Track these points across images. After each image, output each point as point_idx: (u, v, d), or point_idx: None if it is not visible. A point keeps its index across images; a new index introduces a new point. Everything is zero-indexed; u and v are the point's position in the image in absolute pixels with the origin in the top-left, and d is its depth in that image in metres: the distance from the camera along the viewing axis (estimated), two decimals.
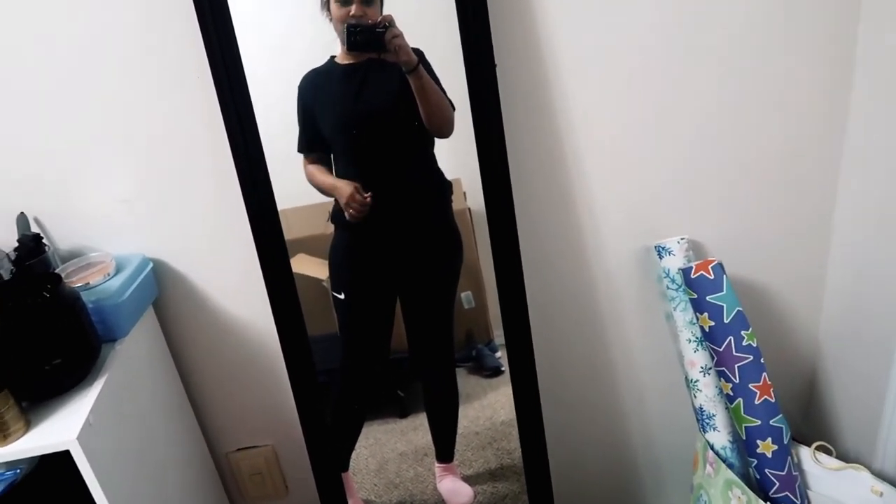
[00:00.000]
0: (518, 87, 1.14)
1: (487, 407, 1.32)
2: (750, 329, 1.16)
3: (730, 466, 1.21)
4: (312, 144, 1.13)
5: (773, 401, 1.16)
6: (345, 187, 1.12)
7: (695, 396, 1.26)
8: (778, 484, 1.17)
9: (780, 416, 1.17)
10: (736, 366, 1.16)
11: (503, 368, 1.28)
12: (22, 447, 0.91)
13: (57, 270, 1.12)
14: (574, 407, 1.46)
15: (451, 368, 1.32)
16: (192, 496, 1.29)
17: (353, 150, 1.15)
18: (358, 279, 1.24)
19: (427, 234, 1.22)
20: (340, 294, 1.23)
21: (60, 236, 1.20)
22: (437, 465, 1.36)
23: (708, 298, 1.16)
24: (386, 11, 1.07)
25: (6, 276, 1.08)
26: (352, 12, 1.04)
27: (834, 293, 1.33)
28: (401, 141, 1.15)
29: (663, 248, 1.24)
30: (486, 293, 1.22)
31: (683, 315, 1.24)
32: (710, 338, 1.18)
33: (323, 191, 1.15)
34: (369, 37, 1.04)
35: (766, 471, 1.17)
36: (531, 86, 1.15)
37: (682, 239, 1.23)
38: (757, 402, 1.16)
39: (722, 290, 1.15)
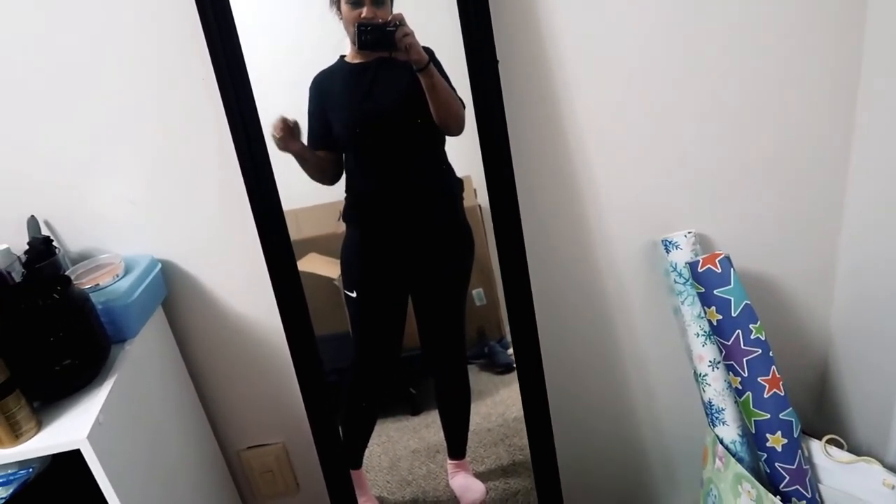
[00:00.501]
0: (521, 83, 1.14)
1: (499, 403, 1.32)
2: (758, 322, 1.15)
3: (739, 461, 1.20)
4: (322, 142, 1.13)
5: (782, 394, 1.15)
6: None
7: (703, 391, 1.25)
8: (788, 478, 1.16)
9: (790, 409, 1.16)
10: (744, 359, 1.15)
11: (515, 365, 1.28)
12: (34, 446, 0.92)
13: (67, 272, 1.13)
14: (583, 402, 1.46)
15: (463, 365, 1.32)
16: (204, 494, 1.31)
17: (365, 149, 1.15)
18: (369, 277, 1.24)
19: (439, 232, 1.22)
20: (352, 292, 1.23)
21: (70, 238, 1.21)
22: (449, 461, 1.37)
23: (715, 292, 1.15)
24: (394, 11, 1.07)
25: (17, 279, 1.09)
26: (363, 14, 1.05)
27: (845, 285, 1.32)
28: (412, 139, 1.15)
29: (670, 242, 1.23)
30: (498, 290, 1.21)
31: (691, 309, 1.23)
32: (718, 332, 1.17)
33: (301, 160, 1.14)
34: (379, 35, 1.05)
35: (777, 464, 1.17)
36: (535, 81, 1.14)
37: (689, 233, 1.22)
38: (766, 395, 1.15)
39: (729, 284, 1.15)
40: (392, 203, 1.18)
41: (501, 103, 1.08)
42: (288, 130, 1.07)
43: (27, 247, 1.12)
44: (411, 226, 1.20)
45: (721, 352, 1.19)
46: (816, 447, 1.22)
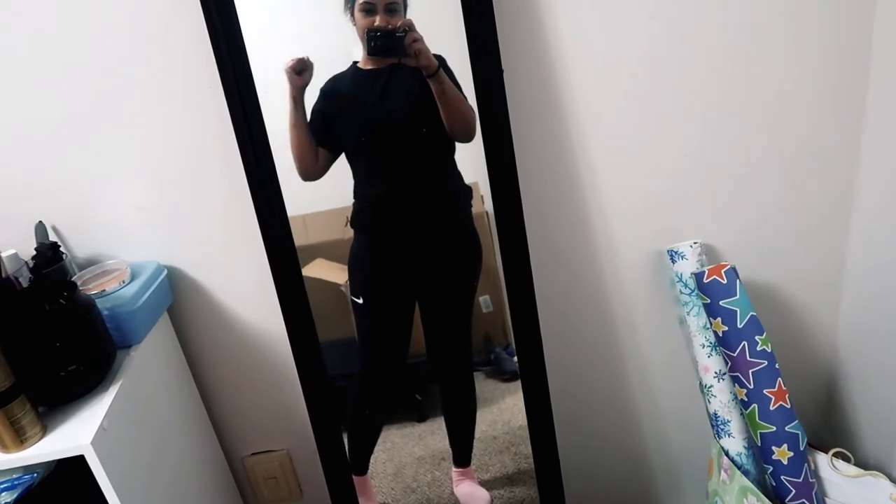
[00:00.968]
0: (526, 92, 1.14)
1: (505, 411, 1.32)
2: (764, 334, 1.14)
3: (745, 473, 1.19)
4: (317, 140, 1.13)
5: (788, 406, 1.14)
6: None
7: (709, 402, 1.24)
8: (794, 491, 1.15)
9: (796, 422, 1.15)
10: (750, 371, 1.14)
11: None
12: (38, 452, 0.92)
13: (74, 278, 1.14)
14: (588, 412, 1.45)
15: (469, 372, 1.32)
16: (208, 500, 1.31)
17: (373, 154, 1.16)
18: (377, 283, 1.24)
19: (447, 239, 1.22)
20: (359, 298, 1.23)
21: (78, 244, 1.22)
22: (454, 469, 1.36)
23: (721, 303, 1.14)
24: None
25: (25, 284, 1.10)
26: (376, 22, 1.06)
27: (852, 297, 1.31)
28: (421, 145, 1.15)
29: (676, 253, 1.23)
30: (505, 297, 1.21)
31: (697, 320, 1.22)
32: (723, 343, 1.16)
33: (294, 131, 1.12)
34: (389, 41, 1.06)
35: (782, 478, 1.16)
36: (540, 91, 1.14)
37: (694, 243, 1.22)
38: (772, 407, 1.14)
39: (735, 295, 1.14)
40: (400, 209, 1.18)
41: (506, 112, 1.08)
42: (300, 63, 1.08)
43: (35, 252, 1.13)
44: (419, 232, 1.20)
45: (727, 363, 1.18)
46: (823, 460, 1.21)
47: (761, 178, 1.23)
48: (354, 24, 1.08)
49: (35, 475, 1.02)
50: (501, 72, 1.07)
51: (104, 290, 1.11)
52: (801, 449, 1.15)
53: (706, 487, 1.32)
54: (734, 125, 1.19)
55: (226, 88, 1.05)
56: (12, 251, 1.14)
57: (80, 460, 0.92)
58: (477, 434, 1.34)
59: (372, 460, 1.34)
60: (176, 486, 1.17)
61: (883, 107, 1.14)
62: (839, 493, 1.19)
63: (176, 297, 1.26)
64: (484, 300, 1.25)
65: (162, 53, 1.10)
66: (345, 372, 1.28)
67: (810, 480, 1.16)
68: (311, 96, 1.11)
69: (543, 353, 1.22)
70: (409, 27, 1.05)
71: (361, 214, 1.18)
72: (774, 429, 1.14)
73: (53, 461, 1.02)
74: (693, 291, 1.21)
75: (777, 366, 1.15)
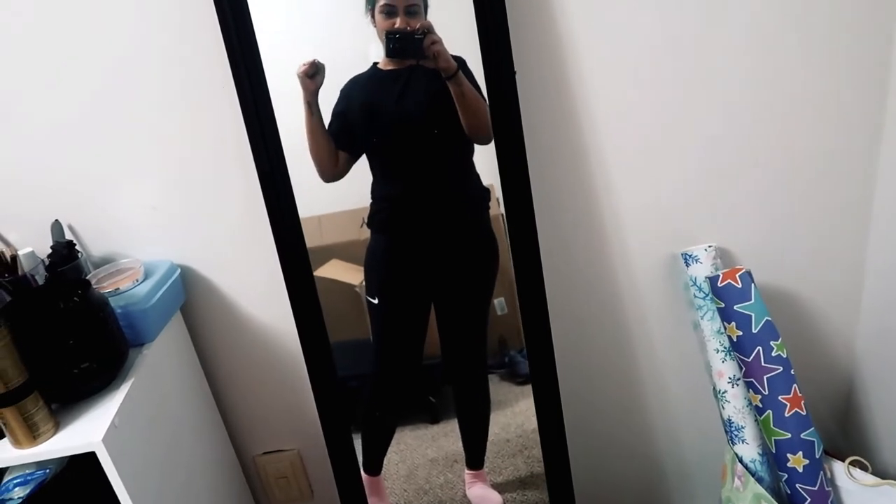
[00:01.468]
0: (539, 94, 1.13)
1: (519, 414, 1.31)
2: (779, 339, 1.13)
3: (759, 480, 1.18)
4: (337, 142, 1.13)
5: (804, 413, 1.13)
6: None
7: (723, 408, 1.23)
8: (809, 499, 1.14)
9: (812, 429, 1.13)
10: (765, 377, 1.13)
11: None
12: (50, 448, 0.93)
13: (88, 276, 1.15)
14: (600, 416, 1.44)
15: (484, 375, 1.31)
16: (219, 498, 1.31)
17: (390, 155, 1.16)
18: (392, 284, 1.24)
19: (464, 241, 1.22)
20: (374, 299, 1.23)
21: (93, 243, 1.23)
22: (466, 471, 1.36)
23: (736, 307, 1.13)
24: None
25: (41, 282, 1.11)
26: (396, 24, 1.06)
27: (871, 302, 1.29)
28: (439, 147, 1.15)
29: (690, 256, 1.21)
30: (519, 301, 1.21)
31: (711, 324, 1.21)
32: (738, 348, 1.15)
33: (311, 136, 1.12)
34: (407, 44, 1.06)
35: (797, 485, 1.14)
36: (552, 93, 1.14)
37: (709, 247, 1.20)
38: (787, 414, 1.12)
39: (750, 300, 1.12)
40: (417, 210, 1.18)
41: (518, 114, 1.08)
42: (312, 67, 1.08)
43: (50, 250, 1.14)
44: (436, 233, 1.20)
45: (741, 368, 1.16)
46: (839, 469, 1.19)
47: (778, 181, 1.21)
48: (375, 26, 1.08)
49: (48, 471, 1.03)
50: (514, 73, 1.06)
51: (118, 289, 1.12)
52: (817, 457, 1.13)
53: (719, 494, 1.30)
54: (750, 127, 1.17)
55: (238, 89, 1.05)
56: (29, 249, 1.16)
57: (91, 457, 0.93)
58: (490, 437, 1.33)
59: (385, 461, 1.34)
60: (187, 485, 1.18)
61: None
62: (856, 502, 1.17)
63: (189, 296, 1.27)
64: (499, 302, 1.25)
65: (176, 54, 1.10)
66: (359, 373, 1.28)
67: (826, 489, 1.14)
68: (328, 98, 1.10)
69: (554, 356, 1.21)
70: (428, 29, 1.05)
71: (378, 215, 1.18)
72: (789, 436, 1.13)
73: (66, 457, 1.03)
74: (707, 295, 1.19)
75: (793, 372, 1.13)
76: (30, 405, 0.92)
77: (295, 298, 1.16)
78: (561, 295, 1.28)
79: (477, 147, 1.13)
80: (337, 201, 1.17)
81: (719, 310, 1.16)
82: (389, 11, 1.06)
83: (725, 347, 1.20)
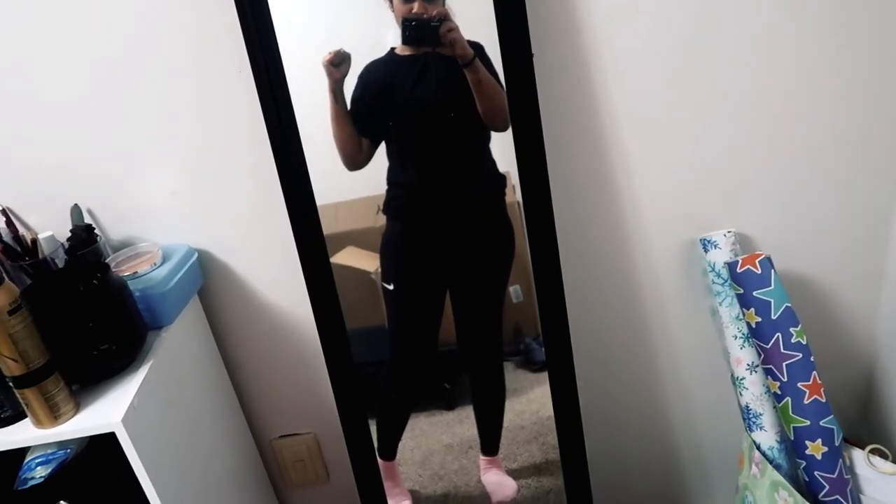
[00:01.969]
0: (557, 78, 1.12)
1: (534, 401, 1.31)
2: (799, 326, 1.11)
3: (777, 467, 1.17)
4: (361, 129, 1.13)
5: (823, 401, 1.11)
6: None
7: (741, 394, 1.22)
8: (828, 487, 1.12)
9: (832, 416, 1.12)
10: (784, 364, 1.11)
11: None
12: (71, 428, 0.94)
13: (107, 260, 1.16)
14: (617, 403, 1.44)
15: (499, 362, 1.31)
16: (237, 480, 1.33)
17: (406, 141, 1.15)
18: (408, 270, 1.24)
19: (480, 227, 1.22)
20: (390, 285, 1.23)
21: (111, 227, 1.24)
22: (481, 458, 1.36)
23: (755, 293, 1.12)
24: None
25: (60, 265, 1.13)
26: (413, 10, 1.05)
27: (893, 288, 1.27)
28: (455, 133, 1.15)
29: (709, 242, 1.20)
30: (535, 287, 1.20)
31: (729, 310, 1.20)
32: (756, 334, 1.14)
33: (336, 124, 1.13)
34: (423, 31, 1.05)
35: (816, 473, 1.13)
36: (571, 76, 1.13)
37: (728, 232, 1.19)
38: (806, 401, 1.11)
39: (769, 285, 1.11)
40: (433, 196, 1.18)
41: (536, 98, 1.07)
42: (337, 56, 1.08)
43: (70, 234, 1.16)
44: (451, 220, 1.20)
45: (760, 355, 1.15)
46: (859, 456, 1.18)
47: (798, 166, 1.19)
48: (393, 11, 1.07)
49: (69, 451, 1.04)
50: (531, 56, 1.05)
51: (136, 272, 1.13)
52: (836, 444, 1.12)
53: (736, 481, 1.29)
54: (773, 111, 1.15)
55: (255, 74, 1.05)
56: (49, 233, 1.17)
57: (111, 437, 0.94)
58: (505, 423, 1.33)
59: (400, 447, 1.35)
60: (206, 466, 1.19)
61: None
62: (876, 490, 1.16)
63: (206, 279, 1.28)
64: (515, 290, 1.24)
65: (193, 40, 1.10)
66: (374, 359, 1.29)
67: (845, 477, 1.13)
68: (347, 84, 1.10)
69: (571, 343, 1.21)
70: (445, 16, 1.05)
71: (394, 202, 1.17)
72: (808, 423, 1.11)
73: (86, 438, 1.04)
74: (726, 281, 1.18)
75: (812, 359, 1.12)
76: (51, 386, 0.93)
77: (311, 285, 1.17)
78: (577, 282, 1.27)
79: (493, 133, 1.12)
80: (353, 188, 1.17)
81: (738, 296, 1.15)
82: None
83: (744, 334, 1.19)
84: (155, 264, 1.15)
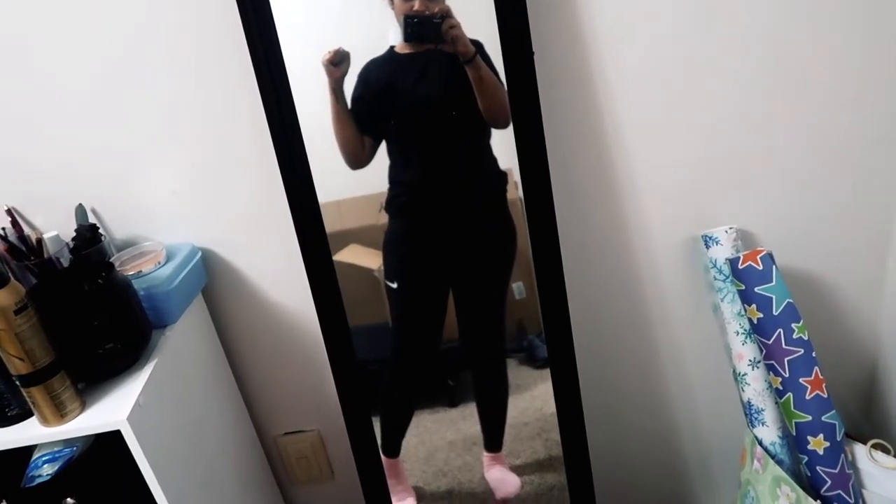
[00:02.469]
0: (557, 75, 1.13)
1: (537, 398, 1.31)
2: (801, 321, 1.11)
3: (779, 463, 1.17)
4: (362, 127, 1.13)
5: (825, 396, 1.12)
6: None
7: (743, 390, 1.22)
8: (830, 482, 1.13)
9: (834, 412, 1.12)
10: (786, 359, 1.12)
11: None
12: (77, 426, 0.95)
13: (112, 259, 1.17)
14: (619, 399, 1.44)
15: (502, 359, 1.31)
16: (242, 477, 1.34)
17: (407, 138, 1.16)
18: (411, 268, 1.25)
19: (482, 224, 1.22)
20: (393, 283, 1.24)
21: (116, 226, 1.25)
22: (485, 454, 1.37)
23: (756, 289, 1.12)
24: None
25: (65, 264, 1.13)
26: (415, 7, 1.06)
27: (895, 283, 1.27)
28: (456, 130, 1.15)
29: (710, 238, 1.20)
30: (537, 283, 1.21)
31: (731, 306, 1.20)
32: (758, 330, 1.14)
33: (338, 123, 1.13)
34: (425, 28, 1.06)
35: (818, 468, 1.13)
36: (571, 73, 1.13)
37: (730, 228, 1.19)
38: (808, 397, 1.11)
39: (771, 281, 1.11)
40: (435, 194, 1.18)
41: (537, 95, 1.07)
42: (337, 55, 1.08)
43: (75, 234, 1.16)
44: (453, 217, 1.20)
45: (761, 351, 1.15)
46: (861, 451, 1.18)
47: (800, 162, 1.19)
48: (393, 9, 1.08)
49: (75, 448, 1.05)
50: (532, 54, 1.05)
51: (141, 271, 1.14)
52: (838, 439, 1.12)
53: (738, 477, 1.30)
54: (773, 107, 1.15)
55: (257, 72, 1.06)
56: (54, 233, 1.18)
57: (117, 435, 0.95)
58: (508, 420, 1.34)
59: (404, 444, 1.35)
60: (211, 463, 1.20)
61: None
62: (878, 485, 1.16)
63: (210, 278, 1.29)
64: (517, 286, 1.25)
65: (196, 39, 1.11)
66: (378, 357, 1.29)
67: (847, 472, 1.13)
68: (347, 83, 1.10)
69: (573, 339, 1.21)
70: (447, 13, 1.05)
71: (396, 199, 1.18)
72: (810, 418, 1.12)
73: (92, 436, 1.05)
74: (727, 278, 1.18)
75: (814, 354, 1.12)
76: (57, 384, 0.94)
77: (315, 283, 1.17)
78: (579, 278, 1.28)
79: (494, 131, 1.13)
80: (355, 186, 1.17)
81: (740, 292, 1.15)
82: None
83: (746, 330, 1.19)
84: (159, 263, 1.16)
